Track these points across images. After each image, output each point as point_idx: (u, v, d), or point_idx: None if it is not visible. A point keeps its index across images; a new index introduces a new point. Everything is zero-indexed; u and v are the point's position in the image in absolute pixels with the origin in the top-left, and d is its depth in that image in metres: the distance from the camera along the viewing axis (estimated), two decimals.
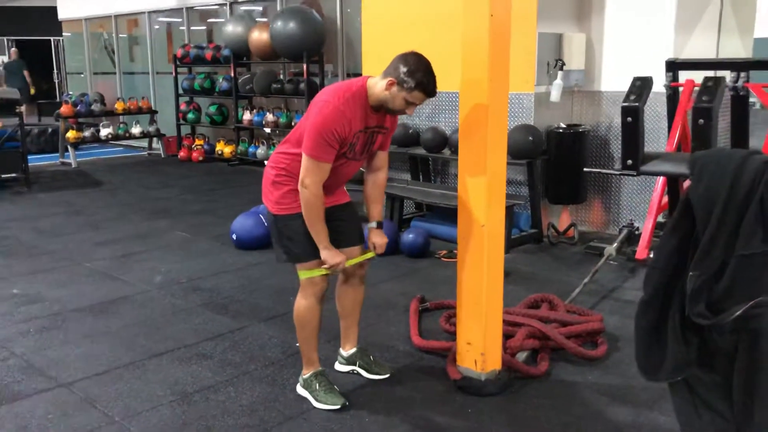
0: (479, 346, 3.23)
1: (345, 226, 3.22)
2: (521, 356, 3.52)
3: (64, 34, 15.37)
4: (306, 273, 3.09)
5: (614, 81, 5.94)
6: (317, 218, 2.95)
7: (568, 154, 5.84)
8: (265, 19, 10.12)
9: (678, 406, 1.91)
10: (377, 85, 2.91)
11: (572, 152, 5.83)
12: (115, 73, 13.70)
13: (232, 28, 9.94)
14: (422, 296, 4.39)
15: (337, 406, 3.10)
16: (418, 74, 2.84)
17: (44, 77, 20.79)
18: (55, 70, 21.29)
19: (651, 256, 4.49)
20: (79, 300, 4.59)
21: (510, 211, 5.61)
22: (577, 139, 5.84)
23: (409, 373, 3.48)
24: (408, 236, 5.53)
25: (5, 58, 21.19)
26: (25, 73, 17.48)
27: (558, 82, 5.77)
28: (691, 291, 1.71)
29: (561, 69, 5.81)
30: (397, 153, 6.62)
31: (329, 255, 3.02)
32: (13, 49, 17.92)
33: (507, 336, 3.61)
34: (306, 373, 3.24)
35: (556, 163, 5.87)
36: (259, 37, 9.47)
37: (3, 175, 8.72)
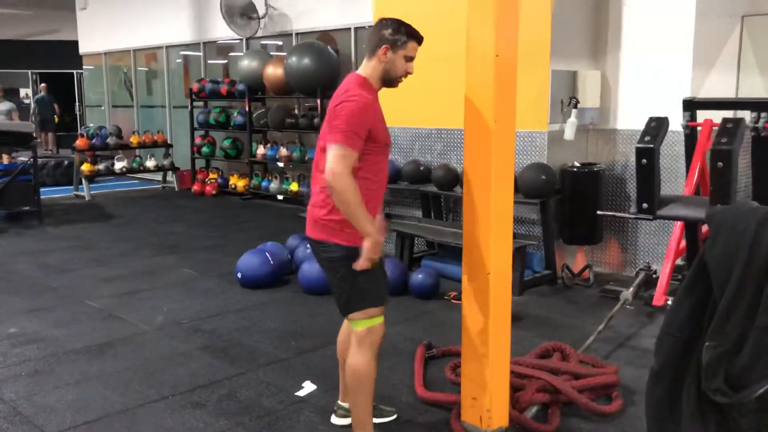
0: (485, 402, 3.05)
1: None
2: (531, 411, 3.32)
3: (84, 67, 15.56)
4: (367, 322, 2.86)
5: (630, 119, 5.78)
6: (358, 202, 2.68)
7: (582, 193, 5.67)
8: (280, 54, 10.12)
9: None
10: (370, 67, 2.86)
11: (587, 191, 5.66)
12: (132, 107, 13.80)
13: (247, 63, 9.96)
14: (429, 342, 4.21)
15: None
16: (402, 27, 2.82)
17: (67, 110, 21.05)
18: (77, 103, 21.56)
19: (668, 302, 4.29)
20: (77, 341, 4.47)
21: (522, 251, 5.44)
22: (592, 178, 5.67)
23: (412, 428, 3.30)
24: (417, 276, 5.37)
25: (29, 91, 21.64)
26: (55, 106, 17.93)
27: (572, 120, 5.63)
28: (707, 364, 1.54)
29: (575, 107, 5.67)
30: (408, 190, 6.50)
31: (375, 244, 2.74)
32: (42, 84, 18.36)
33: (516, 389, 3.42)
34: None
35: (571, 202, 5.70)
36: (273, 71, 9.48)
37: (15, 209, 8.71)
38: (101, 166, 10.90)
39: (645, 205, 3.95)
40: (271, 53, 10.20)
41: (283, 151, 9.67)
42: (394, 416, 3.38)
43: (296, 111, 10.04)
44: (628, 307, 4.79)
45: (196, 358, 4.17)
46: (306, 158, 9.42)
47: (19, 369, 4.02)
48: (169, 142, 11.84)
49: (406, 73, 2.90)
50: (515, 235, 5.73)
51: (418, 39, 2.85)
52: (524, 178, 5.53)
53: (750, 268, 1.48)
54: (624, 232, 5.90)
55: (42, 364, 4.09)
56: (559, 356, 3.85)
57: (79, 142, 10.71)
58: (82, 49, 14.87)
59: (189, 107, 11.36)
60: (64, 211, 9.59)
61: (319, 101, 9.07)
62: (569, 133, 5.65)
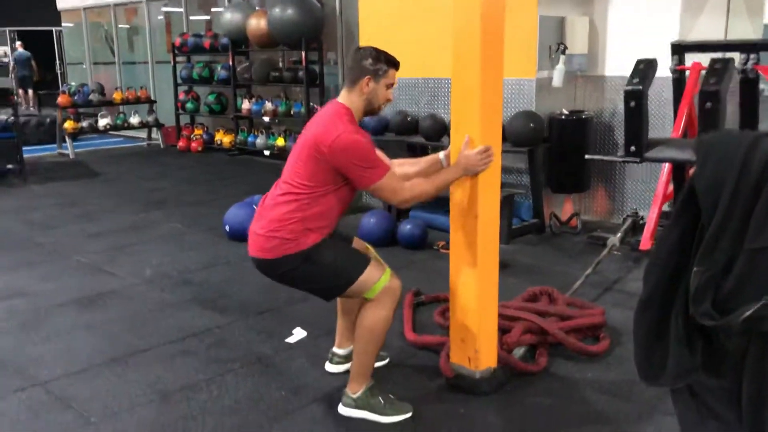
0: (473, 343, 3.07)
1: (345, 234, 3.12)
2: (518, 352, 3.36)
3: (63, 24, 15.20)
4: (375, 287, 2.78)
5: (619, 66, 5.73)
6: (434, 185, 2.83)
7: (570, 141, 5.65)
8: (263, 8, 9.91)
9: (681, 414, 1.75)
10: (353, 96, 2.83)
11: (575, 139, 5.64)
12: (114, 63, 13.55)
13: (230, 16, 9.75)
14: (417, 290, 4.23)
15: (410, 413, 2.90)
16: (381, 56, 2.81)
17: (47, 68, 20.66)
18: (57, 61, 21.15)
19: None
20: (65, 294, 4.45)
21: (510, 200, 5.44)
22: (580, 126, 5.65)
23: (401, 371, 3.33)
24: (405, 227, 5.37)
25: (7, 49, 21.21)
26: (33, 63, 17.58)
27: (560, 67, 5.57)
28: (695, 289, 1.54)
29: (563, 53, 5.61)
30: (395, 141, 6.44)
31: (470, 153, 2.84)
32: (19, 42, 18.00)
33: (504, 331, 3.44)
34: (358, 390, 2.89)
35: (559, 150, 5.68)
36: (257, 24, 9.29)
37: None
38: (84, 124, 10.73)
39: (632, 148, 3.93)
40: (254, 5, 9.99)
41: (269, 106, 9.55)
42: (387, 360, 3.40)
43: (281, 64, 9.90)
44: (615, 252, 4.83)
45: (185, 309, 4.18)
46: (291, 112, 9.31)
47: (7, 323, 4.00)
48: (152, 98, 11.66)
49: (387, 101, 2.88)
50: (503, 184, 5.69)
51: (396, 66, 2.86)
52: (512, 127, 5.50)
53: (739, 191, 1.48)
54: (612, 180, 5.90)
55: (30, 317, 4.08)
56: (547, 300, 3.88)
57: (61, 99, 10.51)
58: (61, 4, 14.50)
59: (172, 62, 11.16)
60: (48, 169, 9.47)
61: (303, 53, 8.93)
62: (557, 80, 5.60)
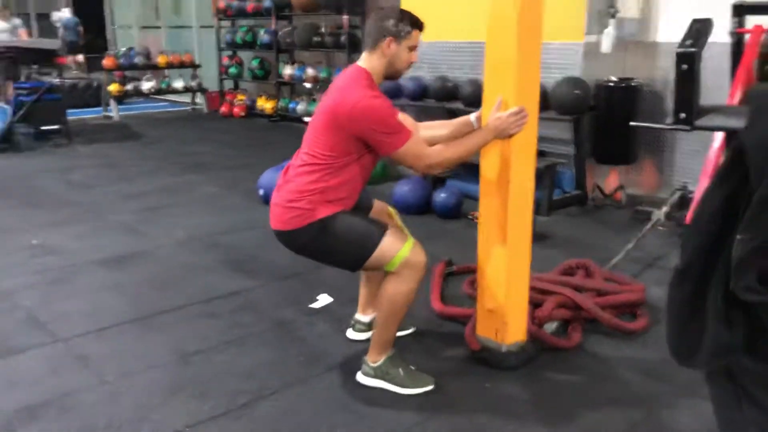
0: (500, 315, 2.93)
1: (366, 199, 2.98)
2: (550, 327, 3.20)
3: None
4: (396, 259, 2.60)
5: (673, 31, 5.38)
6: (462, 149, 2.67)
7: (618, 110, 5.37)
8: None
9: (717, 399, 1.58)
10: (374, 59, 2.68)
11: (623, 108, 5.36)
12: (160, 27, 13.58)
13: None
14: (449, 259, 4.09)
15: (431, 386, 2.77)
16: (405, 16, 2.66)
17: (98, 33, 20.87)
18: (108, 26, 21.35)
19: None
20: (96, 253, 4.45)
21: (552, 170, 5.23)
22: (629, 94, 5.37)
23: (426, 342, 3.21)
24: (440, 195, 5.21)
25: (60, 14, 21.52)
26: (80, 28, 17.86)
27: (609, 31, 5.31)
28: (738, 259, 1.36)
29: (614, 17, 5.33)
30: (434, 107, 6.26)
31: (502, 115, 2.67)
32: (66, 8, 18.27)
33: (536, 305, 3.29)
34: (377, 360, 2.78)
35: (605, 119, 5.43)
36: None
37: (43, 127, 8.68)
38: (129, 87, 10.81)
39: (682, 115, 3.67)
40: None
41: (310, 72, 9.44)
42: (412, 329, 3.29)
43: (323, 29, 9.75)
44: (659, 228, 4.59)
45: (213, 271, 4.12)
46: (332, 78, 9.17)
47: (38, 278, 4.02)
48: (196, 62, 11.65)
49: (410, 64, 2.73)
50: (545, 154, 5.51)
51: (420, 27, 2.70)
52: (557, 94, 5.27)
53: None
54: (660, 152, 5.61)
55: (60, 273, 4.08)
56: (584, 273, 3.70)
57: (107, 62, 10.59)
58: None
59: (215, 26, 11.12)
60: (93, 130, 9.56)
61: (346, 18, 8.75)
62: (606, 45, 5.34)
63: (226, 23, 11.19)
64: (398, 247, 2.62)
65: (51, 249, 4.53)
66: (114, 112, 10.56)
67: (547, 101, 5.36)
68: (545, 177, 5.19)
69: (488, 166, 2.87)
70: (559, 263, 3.95)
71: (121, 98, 10.83)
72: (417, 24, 2.67)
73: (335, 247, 2.65)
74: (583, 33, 5.29)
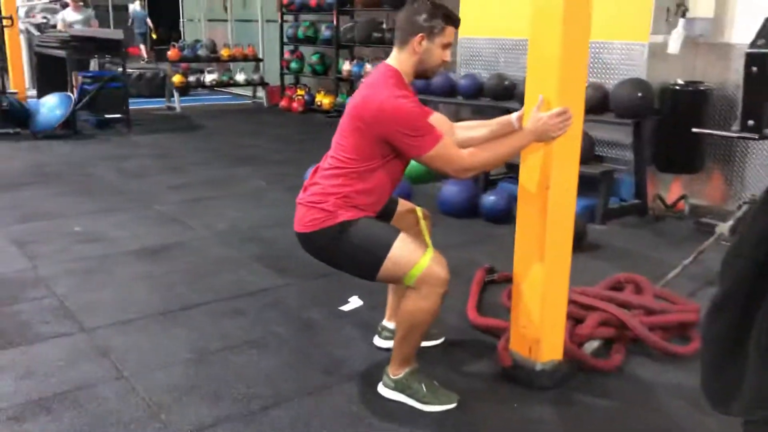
0: (535, 331, 2.72)
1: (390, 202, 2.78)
2: (590, 346, 2.97)
3: None
4: (413, 272, 2.39)
5: (749, 33, 5.03)
6: (498, 152, 2.48)
7: (685, 115, 5.04)
8: None
9: None
10: (403, 56, 2.51)
11: (690, 114, 5.02)
12: (227, 21, 13.73)
13: None
14: (491, 266, 3.89)
15: (454, 404, 2.59)
16: (438, 11, 2.47)
17: (172, 25, 21.38)
18: (181, 19, 21.85)
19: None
20: (135, 242, 4.44)
21: (609, 177, 4.95)
22: (697, 99, 5.03)
23: (455, 354, 3.03)
24: (489, 198, 5.00)
25: (136, 7, 22.28)
26: (148, 20, 18.46)
27: (678, 31, 4.97)
28: None
29: (683, 16, 5.00)
30: (489, 107, 6.04)
31: (543, 116, 2.45)
32: (137, 1, 18.92)
33: (577, 321, 3.07)
34: (399, 372, 2.60)
35: (670, 125, 5.10)
36: None
37: (106, 116, 8.85)
38: (192, 78, 10.93)
39: (751, 122, 3.37)
40: None
41: (368, 68, 9.32)
42: (441, 339, 3.12)
43: (384, 25, 9.61)
44: (723, 242, 4.25)
45: (247, 266, 4.04)
46: None
47: (76, 265, 4.02)
48: (259, 56, 11.70)
49: (443, 63, 2.55)
50: (602, 158, 5.23)
51: (455, 22, 2.52)
52: (617, 96, 4.98)
53: None
54: (729, 161, 5.24)
55: (97, 262, 4.08)
56: (633, 289, 3.44)
57: (171, 53, 10.74)
58: None
59: (279, 21, 11.14)
60: (153, 120, 9.70)
61: None
62: (674, 46, 5.01)
63: (289, 17, 11.20)
64: (414, 259, 2.42)
65: (92, 236, 4.55)
66: (176, 103, 10.71)
67: (606, 103, 5.09)
68: (602, 183, 4.92)
69: (527, 171, 2.66)
70: (608, 275, 3.71)
71: (184, 90, 10.99)
72: (451, 19, 2.49)
73: (350, 254, 2.49)
74: (648, 32, 4.99)
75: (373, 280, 2.54)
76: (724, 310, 1.30)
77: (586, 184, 5.15)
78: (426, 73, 2.56)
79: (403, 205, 2.85)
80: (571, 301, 3.15)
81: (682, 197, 5.14)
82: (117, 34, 8.87)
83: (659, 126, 5.17)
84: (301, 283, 3.78)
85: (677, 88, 5.05)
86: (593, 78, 5.39)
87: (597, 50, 5.33)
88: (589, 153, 5.08)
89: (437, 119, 2.75)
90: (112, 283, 3.77)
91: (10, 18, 9.73)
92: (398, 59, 2.52)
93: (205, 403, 2.59)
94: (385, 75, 2.47)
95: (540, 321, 2.70)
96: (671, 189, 5.39)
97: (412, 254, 2.42)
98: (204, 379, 2.77)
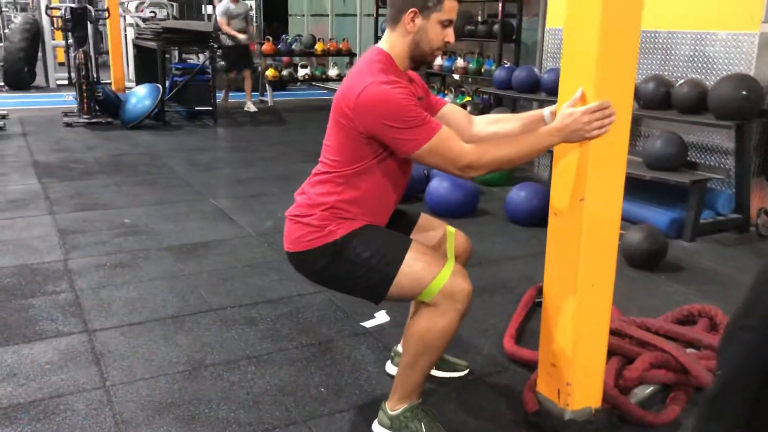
0: (565, 372, 2.25)
1: (405, 217, 2.41)
2: (641, 393, 2.46)
3: None
4: (431, 287, 2.03)
5: None
6: (516, 149, 2.04)
7: None
8: None
9: None
10: (395, 37, 2.11)
11: None
12: (328, 15, 13.67)
13: None
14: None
15: None
16: None
17: (282, 20, 21.77)
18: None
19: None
20: (177, 238, 4.28)
21: (701, 187, 4.30)
22: None
23: (478, 389, 2.60)
24: None
25: (252, 2, 22.90)
26: (250, 15, 18.78)
27: None
28: None
29: None
30: (545, 101, 5.46)
31: (575, 111, 1.98)
32: None
33: (629, 360, 2.56)
34: (398, 408, 2.22)
35: None
36: None
37: (196, 107, 8.92)
38: (285, 72, 10.89)
39: None
40: None
41: (460, 62, 8.87)
42: (465, 372, 2.69)
43: (479, 18, 9.13)
44: None
45: (278, 270, 3.76)
46: (482, 70, 8.55)
47: (108, 259, 3.89)
48: (354, 51, 11.51)
49: (444, 44, 2.13)
50: (696, 165, 4.56)
51: None
52: (717, 94, 4.31)
53: None
54: None
55: (130, 257, 3.93)
56: (706, 324, 2.87)
57: (265, 47, 10.74)
58: None
59: (374, 15, 10.88)
60: (242, 114, 9.70)
61: (500, 5, 8.09)
62: None
63: (385, 11, 10.91)
64: (434, 271, 2.05)
65: (136, 229, 4.43)
66: (269, 97, 10.70)
67: (705, 102, 4.43)
68: (692, 194, 4.28)
69: (558, 178, 2.20)
70: (686, 302, 3.15)
71: (280, 84, 10.95)
72: None
73: (351, 275, 2.11)
74: (760, 21, 4.28)
75: (379, 301, 2.16)
76: (722, 403, 0.84)
77: (675, 195, 4.53)
78: (424, 57, 2.14)
79: (427, 220, 2.44)
80: (625, 335, 2.66)
81: None
82: (207, 26, 8.91)
83: None
84: (326, 292, 3.44)
85: None
86: (692, 74, 4.73)
87: (697, 41, 4.66)
88: (681, 159, 4.45)
89: (451, 110, 2.35)
90: (136, 280, 3.60)
91: (107, 10, 10.01)
92: (390, 41, 2.13)
93: (177, 425, 2.32)
94: (370, 60, 2.09)
95: (571, 359, 2.23)
96: None
97: (431, 265, 2.05)
98: (186, 397, 2.49)
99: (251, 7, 10.61)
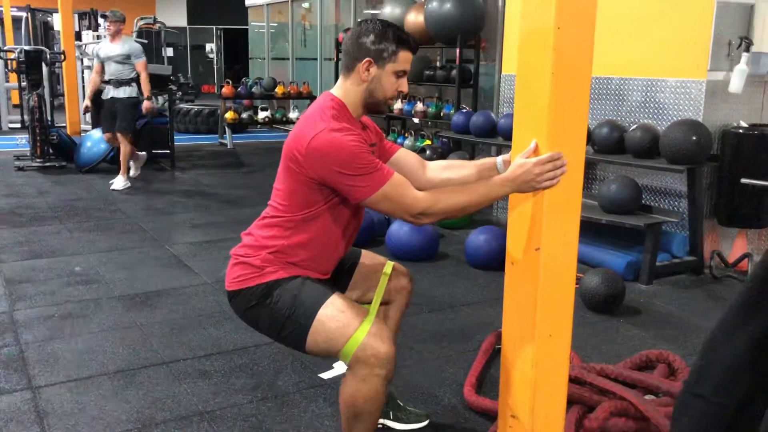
0: (526, 424, 2.21)
1: (348, 257, 2.38)
2: None
3: (250, 23, 15.80)
4: (354, 339, 1.96)
5: None
6: (467, 198, 2.01)
7: (749, 162, 4.42)
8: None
9: None
10: (348, 85, 2.10)
11: (756, 160, 4.41)
12: (288, 59, 13.76)
13: (390, 10, 9.31)
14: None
15: None
16: (389, 32, 2.05)
17: (240, 63, 21.92)
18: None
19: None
20: (130, 287, 4.16)
21: (656, 230, 4.36)
22: (763, 144, 4.41)
23: None
24: None
25: (213, 46, 23.05)
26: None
27: (741, 67, 4.38)
28: None
29: (747, 51, 4.41)
30: (504, 146, 5.54)
31: (527, 162, 1.95)
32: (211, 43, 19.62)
33: (590, 408, 2.54)
34: None
35: (733, 172, 4.48)
36: (414, 19, 8.71)
37: (153, 151, 8.80)
38: (244, 115, 10.86)
39: None
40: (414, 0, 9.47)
41: (419, 106, 8.96)
42: (425, 422, 2.63)
43: (437, 63, 9.28)
44: None
45: (233, 319, 3.59)
46: (441, 114, 8.65)
47: (57, 310, 3.76)
48: (315, 94, 11.56)
49: (398, 93, 2.13)
50: (649, 209, 4.64)
51: (411, 46, 2.10)
52: (669, 139, 4.41)
53: None
54: None
55: (80, 308, 3.80)
56: (664, 370, 2.87)
57: (224, 91, 10.72)
58: (248, 1, 15.06)
59: (334, 59, 10.98)
60: (201, 157, 9.63)
61: (458, 51, 8.22)
62: (736, 84, 4.42)
63: None
64: (347, 332, 1.98)
65: (87, 278, 4.30)
66: (228, 139, 10.65)
67: (657, 147, 4.52)
68: (648, 237, 4.33)
69: (513, 226, 2.19)
70: (644, 347, 3.17)
71: (241, 127, 10.90)
72: (405, 42, 2.06)
73: (274, 321, 2.08)
74: (706, 69, 4.42)
75: (305, 353, 2.11)
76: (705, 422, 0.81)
77: (631, 237, 4.59)
78: (378, 105, 2.13)
79: (369, 258, 2.42)
80: (584, 383, 2.64)
81: (746, 255, 4.48)
82: (166, 69, 8.86)
83: (719, 173, 4.56)
84: None
85: (740, 131, 4.44)
86: (644, 119, 4.84)
87: (648, 88, 4.78)
88: (636, 202, 4.51)
89: (404, 156, 2.34)
90: (86, 332, 3.47)
91: (63, 53, 9.90)
92: (344, 88, 2.12)
93: None
94: (323, 107, 2.07)
95: (531, 411, 2.19)
96: (734, 245, 4.73)
97: (345, 325, 1.98)
98: None
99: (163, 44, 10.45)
